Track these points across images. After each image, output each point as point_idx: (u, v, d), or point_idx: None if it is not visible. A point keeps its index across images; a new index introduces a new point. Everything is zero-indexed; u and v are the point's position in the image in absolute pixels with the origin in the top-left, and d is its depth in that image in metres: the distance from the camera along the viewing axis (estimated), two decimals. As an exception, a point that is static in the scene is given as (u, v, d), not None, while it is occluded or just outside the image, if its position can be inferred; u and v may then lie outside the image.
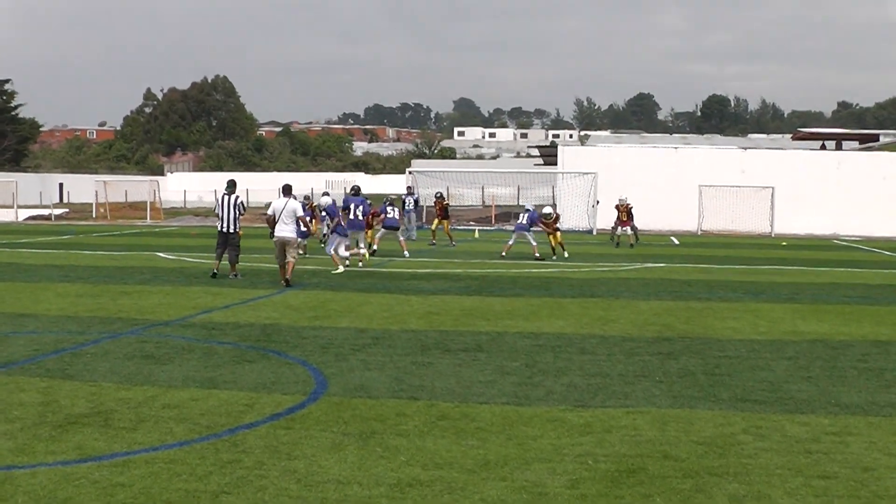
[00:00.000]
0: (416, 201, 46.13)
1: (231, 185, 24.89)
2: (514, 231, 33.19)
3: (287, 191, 23.48)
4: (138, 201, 72.79)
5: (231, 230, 24.15)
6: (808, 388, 11.67)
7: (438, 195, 42.05)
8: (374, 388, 11.22)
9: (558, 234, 33.61)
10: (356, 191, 29.36)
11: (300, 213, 23.26)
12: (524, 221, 31.98)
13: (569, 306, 19.45)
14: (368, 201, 29.19)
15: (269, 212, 23.15)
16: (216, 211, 24.78)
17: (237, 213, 24.22)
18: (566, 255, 32.94)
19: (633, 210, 41.70)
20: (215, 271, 24.09)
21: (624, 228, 41.62)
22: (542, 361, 13.14)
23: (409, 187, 48.23)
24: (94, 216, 67.47)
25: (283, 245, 22.40)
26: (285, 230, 22.46)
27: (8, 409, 10.08)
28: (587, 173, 54.68)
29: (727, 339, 15.45)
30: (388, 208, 31.71)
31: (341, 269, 26.32)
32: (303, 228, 25.19)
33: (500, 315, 17.91)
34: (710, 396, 11.09)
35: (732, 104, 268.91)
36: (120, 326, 16.05)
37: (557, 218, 34.20)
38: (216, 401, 10.52)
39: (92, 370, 12.20)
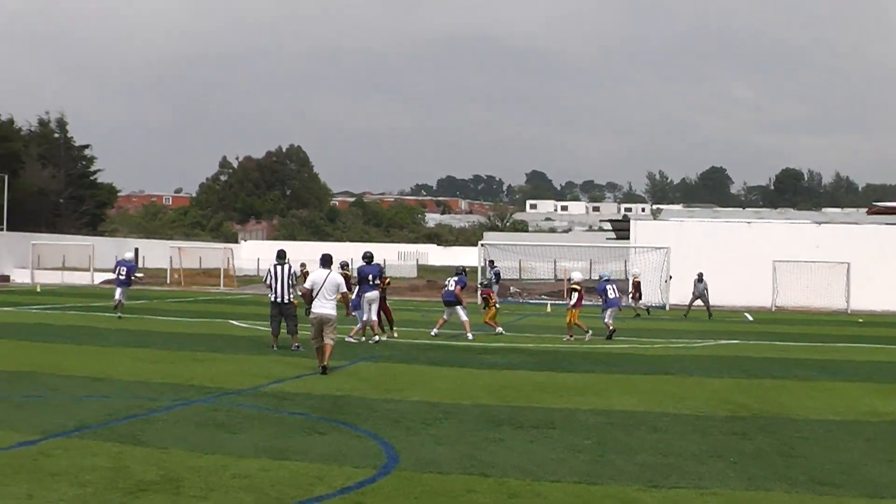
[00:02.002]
0: (498, 274, 46.28)
1: (282, 255, 24.84)
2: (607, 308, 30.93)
3: (327, 262, 20.76)
4: (212, 268, 73.32)
5: (286, 301, 24.10)
6: (889, 471, 11.43)
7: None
8: (444, 464, 11.14)
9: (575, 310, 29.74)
10: (369, 258, 28.02)
11: (344, 287, 20.63)
12: (616, 295, 31.34)
13: (640, 383, 19.28)
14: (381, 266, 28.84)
15: (308, 285, 20.24)
16: (267, 281, 24.78)
17: (291, 282, 24.25)
18: (568, 337, 29.41)
19: (640, 284, 45.21)
20: (276, 346, 24.00)
21: (636, 302, 44.11)
22: (614, 439, 12.99)
23: (490, 261, 48.41)
24: (168, 282, 68.06)
25: (322, 324, 19.64)
26: (326, 306, 19.75)
27: (80, 474, 10.13)
28: (660, 248, 54.38)
29: (802, 418, 15.18)
30: (448, 280, 30.10)
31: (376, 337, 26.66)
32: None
33: (572, 391, 17.77)
34: (786, 478, 10.89)
35: (806, 178, 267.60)
36: (192, 394, 16.12)
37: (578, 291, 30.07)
38: (286, 472, 10.49)
39: (163, 437, 12.24)
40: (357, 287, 26.96)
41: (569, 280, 30.89)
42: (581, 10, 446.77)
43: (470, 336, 28.16)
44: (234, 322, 32.76)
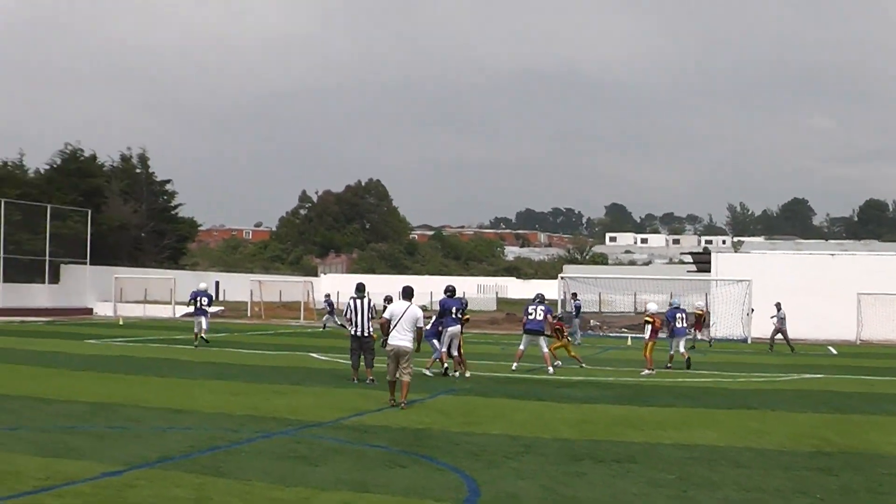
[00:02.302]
0: (578, 307, 46.24)
1: (361, 289, 24.67)
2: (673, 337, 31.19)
3: (408, 294, 20.44)
4: (292, 301, 73.75)
5: (366, 334, 24.00)
6: (978, 509, 11.23)
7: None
8: (525, 498, 11.06)
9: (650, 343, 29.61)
10: (452, 291, 27.41)
11: (422, 322, 20.45)
12: (684, 324, 31.18)
13: (723, 417, 19.06)
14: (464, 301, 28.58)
15: (387, 315, 19.94)
16: (347, 315, 24.78)
17: (371, 315, 24.19)
18: (648, 371, 28.86)
19: (703, 316, 44.94)
20: (356, 379, 23.96)
21: (699, 334, 43.62)
22: (696, 474, 12.83)
23: (573, 293, 48.47)
24: (248, 315, 68.59)
25: (398, 356, 19.29)
26: (403, 339, 19.38)
27: (163, 506, 10.20)
28: (741, 280, 53.87)
29: (890, 455, 14.90)
30: (531, 308, 29.06)
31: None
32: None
33: (653, 425, 17.61)
34: (874, 516, 10.72)
35: (890, 208, 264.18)
36: (273, 426, 16.19)
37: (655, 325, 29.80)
38: (367, 504, 10.48)
39: (245, 469, 12.28)
40: (434, 319, 27.01)
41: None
42: (657, 44, 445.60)
43: (550, 370, 27.97)
44: (314, 355, 32.91)
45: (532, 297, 29.88)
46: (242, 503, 10.38)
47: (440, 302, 27.28)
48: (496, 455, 13.83)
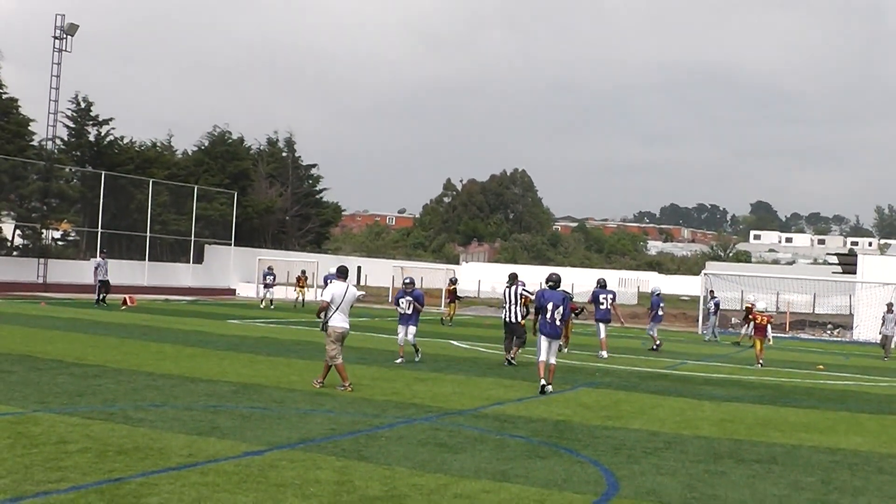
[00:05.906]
0: (717, 304, 46.18)
1: (513, 278, 26.13)
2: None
3: (344, 274, 19.74)
4: (433, 288, 73.94)
5: (514, 320, 25.66)
6: None
7: (453, 280, 47.23)
8: (665, 494, 10.98)
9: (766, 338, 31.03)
10: (555, 281, 20.96)
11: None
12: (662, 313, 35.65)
13: (867, 422, 18.70)
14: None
15: (326, 298, 18.96)
16: (504, 305, 25.88)
17: (517, 302, 25.62)
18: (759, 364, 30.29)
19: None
20: (508, 361, 25.53)
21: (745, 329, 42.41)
22: (839, 479, 12.59)
23: (710, 291, 48.48)
24: (389, 300, 68.99)
25: (343, 338, 18.92)
26: (347, 321, 19.02)
27: (305, 486, 10.28)
28: (888, 284, 52.70)
29: None
30: (601, 296, 30.50)
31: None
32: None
33: (795, 427, 17.35)
34: None
35: None
36: (414, 412, 16.29)
37: (761, 318, 31.14)
38: (507, 494, 10.47)
39: (386, 453, 12.36)
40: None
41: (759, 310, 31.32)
42: (816, 48, 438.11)
43: (605, 354, 29.42)
44: (454, 343, 33.05)
45: (600, 284, 31.51)
46: (384, 487, 10.44)
47: (538, 294, 21.12)
48: (636, 450, 13.74)
